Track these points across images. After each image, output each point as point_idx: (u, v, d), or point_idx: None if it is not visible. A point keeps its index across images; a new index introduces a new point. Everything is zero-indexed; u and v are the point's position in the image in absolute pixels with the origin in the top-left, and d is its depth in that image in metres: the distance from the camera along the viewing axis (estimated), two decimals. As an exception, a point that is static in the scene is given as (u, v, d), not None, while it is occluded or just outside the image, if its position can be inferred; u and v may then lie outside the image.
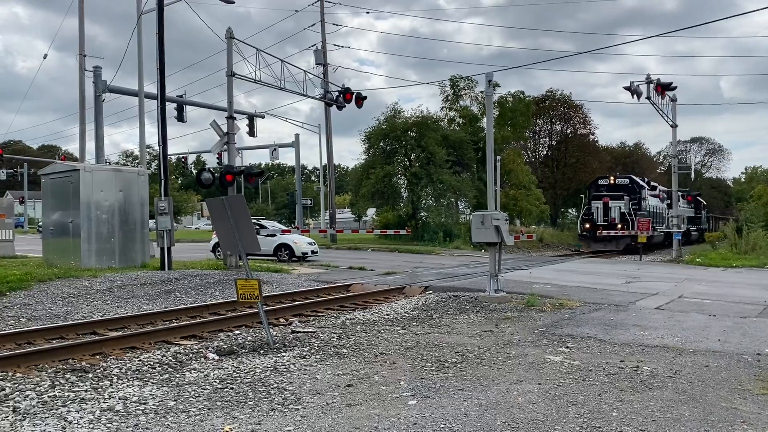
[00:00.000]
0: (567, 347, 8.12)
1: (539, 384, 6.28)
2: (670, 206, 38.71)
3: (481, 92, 41.38)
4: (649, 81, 23.80)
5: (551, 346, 8.22)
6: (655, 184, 40.36)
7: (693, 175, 42.00)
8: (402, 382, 6.37)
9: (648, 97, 23.93)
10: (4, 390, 6.09)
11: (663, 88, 24.44)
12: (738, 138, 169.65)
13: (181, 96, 26.15)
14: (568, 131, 62.13)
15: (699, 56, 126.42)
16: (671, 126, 27.30)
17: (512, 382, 6.37)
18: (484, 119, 41.88)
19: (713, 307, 11.82)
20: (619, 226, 33.24)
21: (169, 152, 19.29)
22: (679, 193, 42.06)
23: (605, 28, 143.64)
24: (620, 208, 34.13)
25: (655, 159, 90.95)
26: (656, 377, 6.58)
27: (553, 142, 62.40)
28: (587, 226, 34.67)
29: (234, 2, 22.02)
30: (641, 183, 37.03)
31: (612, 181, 36.18)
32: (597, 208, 34.92)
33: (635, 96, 23.68)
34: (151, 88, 23.26)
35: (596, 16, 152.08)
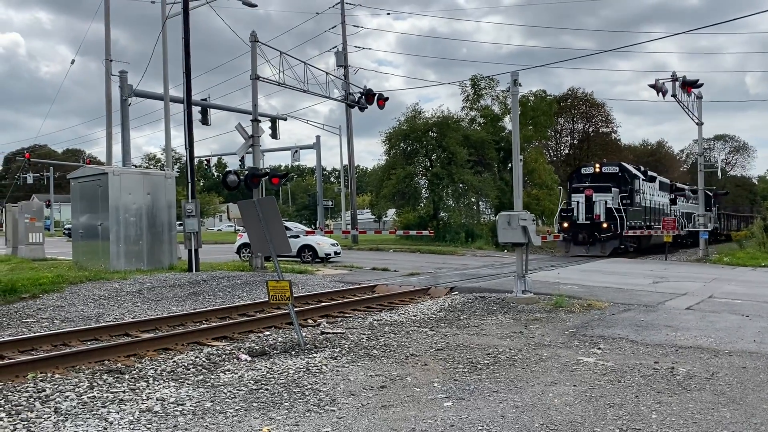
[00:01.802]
0: (599, 348, 8.06)
1: (574, 386, 6.24)
2: (674, 201, 35.40)
3: (503, 92, 41.24)
4: (674, 78, 23.51)
5: (583, 347, 8.16)
6: (654, 175, 34.06)
7: (720, 173, 40.33)
8: (435, 384, 6.37)
9: (673, 95, 23.64)
10: (45, 391, 6.21)
11: (689, 85, 24.13)
12: (763, 135, 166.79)
13: (205, 99, 26.42)
14: (590, 130, 61.71)
15: (723, 52, 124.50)
16: (697, 124, 26.94)
17: (547, 383, 6.34)
18: (506, 118, 41.93)
19: (745, 307, 11.64)
20: (605, 225, 26.91)
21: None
22: (686, 187, 39.05)
23: (627, 24, 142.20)
24: (606, 202, 27.11)
25: (678, 157, 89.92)
26: (693, 379, 6.50)
27: (575, 141, 61.97)
28: (565, 225, 27.68)
29: (256, 5, 22.22)
30: (634, 172, 30.13)
31: (597, 170, 29.04)
32: (578, 202, 27.83)
33: (660, 94, 23.41)
34: (175, 91, 23.57)
35: (618, 12, 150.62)
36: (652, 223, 31.05)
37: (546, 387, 6.20)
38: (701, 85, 25.24)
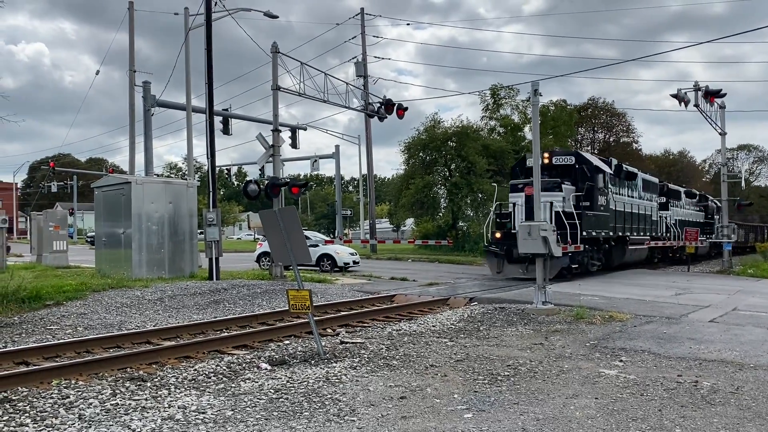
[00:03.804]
0: (621, 361, 7.98)
1: (596, 398, 6.18)
2: (665, 206, 29.52)
3: (523, 101, 41.10)
4: (697, 88, 23.28)
5: (604, 359, 8.08)
6: (634, 170, 26.34)
7: (743, 184, 38.75)
8: (455, 395, 6.35)
9: (696, 105, 23.39)
10: (69, 397, 6.29)
11: (712, 95, 23.86)
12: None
13: (226, 109, 26.72)
14: (611, 140, 61.27)
15: (748, 61, 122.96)
16: (720, 134, 26.63)
17: (568, 396, 6.28)
18: (526, 128, 41.76)
19: (771, 321, 11.43)
20: None
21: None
22: (681, 190, 33.75)
23: (650, 32, 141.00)
24: (553, 204, 19.24)
25: (701, 167, 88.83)
26: (717, 393, 6.40)
27: (596, 151, 61.50)
28: (497, 235, 20.31)
29: (278, 17, 22.48)
30: (596, 164, 21.68)
31: (546, 160, 19.75)
32: (515, 204, 20.18)
33: (682, 104, 23.17)
34: (197, 101, 23.85)
35: (641, 20, 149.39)
36: (629, 233, 24.02)
37: (567, 399, 6.15)
38: (724, 94, 24.96)
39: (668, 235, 29.55)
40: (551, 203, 19.13)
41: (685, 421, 5.47)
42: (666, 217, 29.73)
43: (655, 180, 29.59)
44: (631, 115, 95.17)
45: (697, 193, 38.30)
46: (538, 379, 7.00)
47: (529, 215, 18.72)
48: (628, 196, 24.68)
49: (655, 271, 25.52)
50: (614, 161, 24.05)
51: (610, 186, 22.29)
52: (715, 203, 39.60)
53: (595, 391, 6.49)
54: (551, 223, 18.43)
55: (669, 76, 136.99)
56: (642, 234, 25.57)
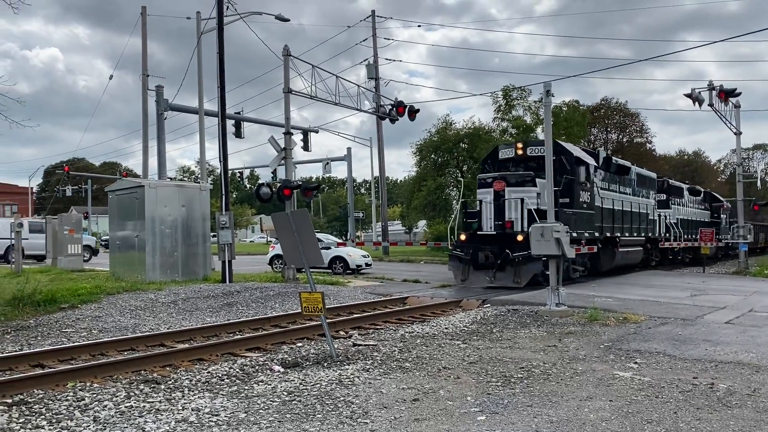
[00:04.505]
0: (635, 363, 7.91)
1: (610, 401, 6.13)
2: (666, 204, 27.35)
3: (535, 102, 40.92)
4: (711, 87, 23.08)
5: (619, 361, 8.02)
6: (626, 164, 23.86)
7: (759, 184, 37.98)
8: (468, 398, 6.33)
9: (710, 105, 23.18)
10: (84, 400, 6.34)
11: (726, 94, 23.64)
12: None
13: (238, 112, 26.83)
14: (624, 140, 60.86)
15: (763, 60, 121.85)
16: (735, 133, 26.37)
17: (582, 398, 6.24)
18: (538, 129, 41.57)
19: (788, 322, 11.30)
20: (520, 238, 16.63)
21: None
22: (684, 187, 31.72)
23: (664, 31, 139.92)
24: (524, 200, 17.23)
25: (715, 167, 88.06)
26: (734, 395, 6.33)
27: (609, 152, 61.15)
28: (462, 237, 17.91)
29: (289, 20, 22.57)
30: (578, 155, 19.23)
31: (519, 152, 18.79)
32: (482, 201, 17.97)
33: (696, 103, 22.99)
34: (210, 104, 23.99)
35: (654, 19, 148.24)
36: (620, 234, 21.43)
37: (581, 402, 6.11)
38: (739, 93, 24.71)
39: (668, 235, 27.25)
40: (522, 200, 17.19)
41: (700, 423, 5.42)
42: (666, 216, 27.39)
43: (653, 175, 27.06)
44: (645, 115, 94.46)
45: (702, 190, 36.02)
46: (551, 382, 6.96)
47: (499, 214, 17.46)
48: (620, 192, 22.22)
49: (669, 272, 25.26)
50: (603, 153, 21.70)
51: (596, 180, 19.84)
52: (722, 201, 37.71)
53: (610, 393, 6.44)
54: (522, 222, 17.12)
55: (683, 75, 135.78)
56: (636, 234, 23.15)
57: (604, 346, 9.06)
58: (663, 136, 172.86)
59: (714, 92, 23.12)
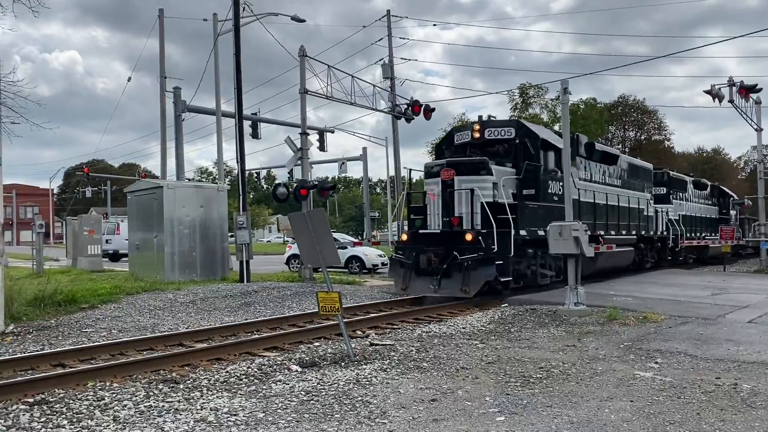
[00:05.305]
0: (656, 363, 7.81)
1: (631, 401, 6.05)
2: (666, 199, 24.74)
3: (552, 100, 40.74)
4: (731, 83, 22.75)
5: (639, 361, 7.92)
6: (612, 150, 21.03)
7: None
8: (487, 398, 6.28)
9: (730, 101, 22.87)
10: (104, 399, 6.39)
11: (747, 90, 23.29)
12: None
13: (255, 113, 26.95)
14: (642, 138, 60.29)
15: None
16: (756, 130, 25.96)
17: (602, 399, 6.17)
18: (555, 127, 41.22)
19: (813, 321, 11.09)
20: (468, 237, 13.72)
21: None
22: (688, 179, 28.96)
23: (683, 28, 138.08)
24: (474, 192, 14.16)
25: (735, 165, 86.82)
26: (758, 396, 6.22)
27: (627, 149, 60.58)
28: (404, 238, 15.10)
29: (305, 20, 22.63)
30: (546, 137, 16.07)
31: (476, 135, 15.70)
32: (430, 194, 15.08)
33: (716, 100, 22.69)
34: (227, 106, 24.12)
35: (673, 15, 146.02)
36: (604, 231, 18.19)
37: (602, 402, 6.04)
38: (760, 89, 24.33)
39: (667, 233, 24.27)
40: (472, 191, 14.12)
41: (724, 424, 5.33)
42: (665, 212, 24.23)
43: (649, 166, 23.93)
44: (663, 112, 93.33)
45: (708, 183, 33.20)
46: (571, 382, 6.90)
47: (446, 208, 14.49)
48: (605, 183, 19.29)
49: (689, 270, 24.93)
50: (584, 139, 18.29)
51: (573, 170, 15.56)
52: (732, 195, 35.08)
53: (631, 393, 6.36)
54: (472, 219, 14.21)
55: (702, 71, 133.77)
56: (625, 233, 20.10)
57: (624, 345, 8.96)
58: (682, 134, 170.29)
59: (734, 88, 22.79)
